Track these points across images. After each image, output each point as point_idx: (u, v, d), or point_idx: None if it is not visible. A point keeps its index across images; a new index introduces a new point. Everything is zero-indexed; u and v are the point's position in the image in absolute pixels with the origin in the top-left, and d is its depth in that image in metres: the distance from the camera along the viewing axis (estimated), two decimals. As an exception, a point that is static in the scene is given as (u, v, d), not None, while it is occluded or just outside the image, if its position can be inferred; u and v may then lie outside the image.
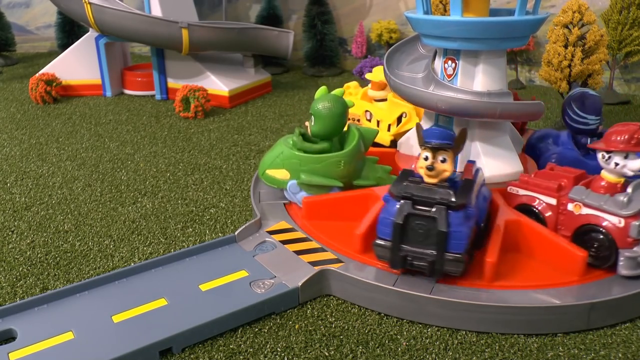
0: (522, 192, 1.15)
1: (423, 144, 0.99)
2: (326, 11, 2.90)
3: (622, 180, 1.05)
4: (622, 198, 1.01)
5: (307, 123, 1.30)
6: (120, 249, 1.24)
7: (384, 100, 1.57)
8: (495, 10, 1.32)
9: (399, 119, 1.51)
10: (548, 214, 1.11)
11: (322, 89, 1.30)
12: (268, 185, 1.31)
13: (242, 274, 1.08)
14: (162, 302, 1.00)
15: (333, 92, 1.29)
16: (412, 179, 1.02)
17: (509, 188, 1.17)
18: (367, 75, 1.60)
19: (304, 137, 1.29)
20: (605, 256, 1.02)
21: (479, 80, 1.23)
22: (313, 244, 1.15)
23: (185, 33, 2.23)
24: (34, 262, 1.19)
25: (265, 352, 0.92)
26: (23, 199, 1.49)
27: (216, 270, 1.09)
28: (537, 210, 1.12)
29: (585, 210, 1.05)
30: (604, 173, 1.06)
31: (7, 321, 0.96)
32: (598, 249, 1.03)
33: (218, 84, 2.34)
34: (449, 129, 1.29)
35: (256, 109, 2.31)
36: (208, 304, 0.99)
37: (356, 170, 1.28)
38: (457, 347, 0.93)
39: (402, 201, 0.99)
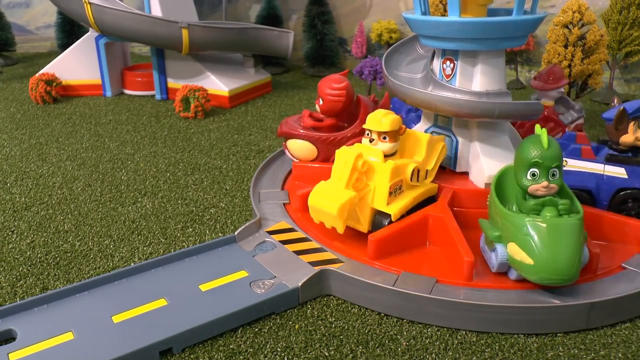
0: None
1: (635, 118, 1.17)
2: (326, 11, 2.90)
3: None
4: None
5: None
6: (120, 249, 1.24)
7: None
8: (493, 10, 1.32)
9: None
10: None
11: (544, 132, 1.01)
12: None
13: (242, 274, 1.08)
14: (162, 302, 1.00)
15: (543, 133, 1.02)
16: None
17: None
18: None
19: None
20: None
21: (477, 81, 1.23)
22: (313, 244, 1.15)
23: (185, 33, 2.23)
24: (34, 262, 1.19)
25: (265, 352, 0.92)
26: (23, 199, 1.49)
27: (216, 270, 1.09)
28: None
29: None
30: None
31: (7, 321, 0.96)
32: None
33: (218, 84, 2.34)
34: (449, 129, 1.30)
35: (256, 109, 2.31)
36: (208, 304, 1.00)
37: None
38: (457, 347, 0.93)
39: None
